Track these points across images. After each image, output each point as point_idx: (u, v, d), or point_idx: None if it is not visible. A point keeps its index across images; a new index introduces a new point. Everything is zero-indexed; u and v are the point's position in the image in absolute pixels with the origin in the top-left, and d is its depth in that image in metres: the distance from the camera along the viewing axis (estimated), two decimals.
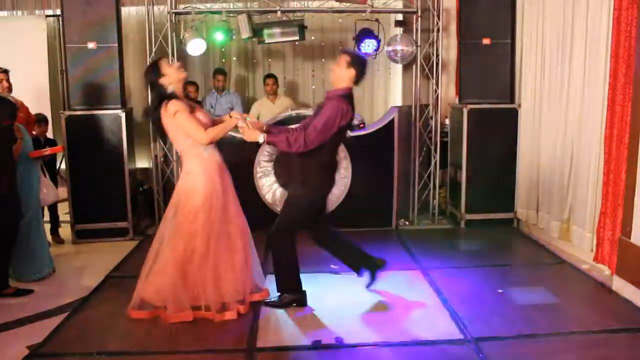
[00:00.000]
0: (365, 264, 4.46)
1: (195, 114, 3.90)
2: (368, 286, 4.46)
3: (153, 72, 3.92)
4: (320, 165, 4.00)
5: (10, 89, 5.08)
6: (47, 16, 7.27)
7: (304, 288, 4.20)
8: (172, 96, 3.87)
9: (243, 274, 4.05)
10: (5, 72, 5.01)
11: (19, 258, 4.68)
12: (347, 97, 3.94)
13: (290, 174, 4.07)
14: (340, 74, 3.96)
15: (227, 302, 3.96)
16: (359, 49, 6.56)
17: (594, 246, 4.88)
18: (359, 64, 3.99)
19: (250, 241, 4.18)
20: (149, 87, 4.01)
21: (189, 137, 3.86)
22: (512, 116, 6.20)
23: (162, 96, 3.88)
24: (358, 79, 4.01)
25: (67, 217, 6.04)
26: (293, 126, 4.26)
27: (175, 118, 3.80)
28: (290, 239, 4.06)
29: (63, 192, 5.88)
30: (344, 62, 3.94)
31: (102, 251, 5.64)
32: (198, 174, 3.92)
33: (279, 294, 4.19)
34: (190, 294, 3.94)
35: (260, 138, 3.86)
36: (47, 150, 5.05)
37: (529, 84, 6.04)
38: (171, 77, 3.89)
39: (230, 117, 4.00)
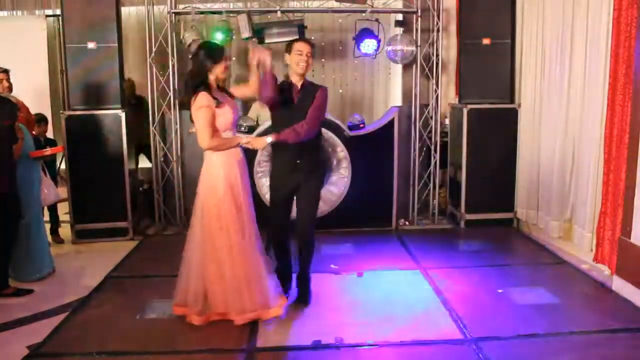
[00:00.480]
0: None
1: (222, 108, 3.77)
2: None
3: (211, 57, 3.78)
4: (320, 153, 4.28)
5: (10, 88, 5.07)
6: (47, 16, 7.28)
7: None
8: (205, 85, 3.75)
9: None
10: (6, 71, 5.01)
11: (19, 258, 4.69)
12: None
13: (295, 167, 4.03)
14: (309, 65, 4.02)
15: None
16: (359, 49, 6.55)
17: (593, 246, 4.89)
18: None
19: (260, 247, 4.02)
20: (194, 62, 3.86)
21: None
22: (512, 116, 6.21)
23: (198, 82, 3.77)
24: None
25: (67, 217, 6.05)
26: None
27: (197, 112, 3.71)
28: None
29: (63, 192, 5.88)
30: (310, 53, 4.00)
31: (102, 251, 5.65)
32: (219, 166, 3.79)
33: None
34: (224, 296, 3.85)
35: (268, 139, 3.87)
36: (48, 151, 5.05)
37: (529, 84, 6.04)
38: (216, 72, 3.78)
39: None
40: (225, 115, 3.80)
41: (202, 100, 3.70)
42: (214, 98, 3.74)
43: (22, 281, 4.70)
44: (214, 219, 3.80)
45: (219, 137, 3.80)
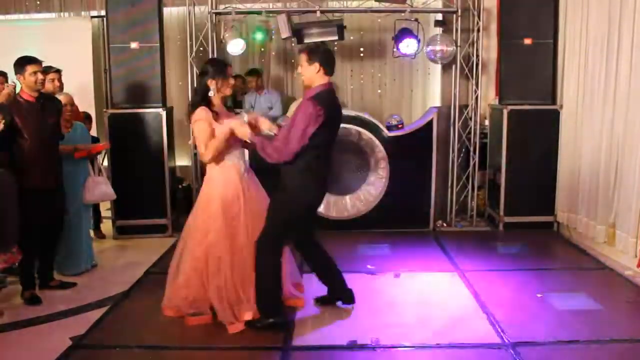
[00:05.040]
0: (336, 291, 4.19)
1: (221, 122, 3.79)
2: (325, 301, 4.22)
3: (211, 72, 3.83)
4: (297, 171, 3.70)
5: (61, 87, 5.22)
6: (92, 17, 7.46)
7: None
8: (204, 101, 3.81)
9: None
10: (58, 71, 5.13)
11: (62, 252, 4.81)
12: (320, 96, 3.65)
13: (279, 179, 3.86)
14: (307, 74, 3.72)
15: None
16: (398, 49, 6.52)
17: (638, 252, 4.76)
18: (318, 54, 3.71)
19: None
20: (199, 78, 3.93)
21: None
22: (553, 118, 6.08)
23: (198, 98, 3.86)
24: (326, 69, 3.71)
25: (109, 213, 6.19)
26: None
27: (194, 125, 3.80)
28: (272, 249, 3.78)
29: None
30: (305, 61, 3.70)
31: (142, 247, 5.77)
32: (218, 181, 3.88)
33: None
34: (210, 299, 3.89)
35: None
36: (90, 147, 5.10)
37: (572, 85, 5.91)
38: (219, 88, 3.84)
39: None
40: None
41: (199, 113, 3.76)
42: (213, 112, 3.79)
43: (65, 274, 4.84)
44: (199, 231, 3.92)
45: (211, 142, 3.76)
